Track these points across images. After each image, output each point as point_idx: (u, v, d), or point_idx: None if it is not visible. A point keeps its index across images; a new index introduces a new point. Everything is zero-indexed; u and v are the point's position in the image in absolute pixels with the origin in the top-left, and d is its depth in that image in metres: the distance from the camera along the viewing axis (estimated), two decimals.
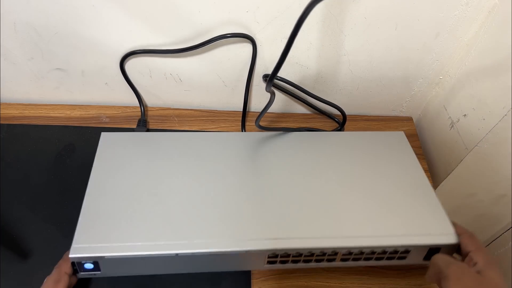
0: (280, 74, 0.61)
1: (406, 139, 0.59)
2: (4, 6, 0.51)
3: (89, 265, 0.42)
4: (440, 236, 0.45)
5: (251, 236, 0.44)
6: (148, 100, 0.67)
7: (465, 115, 0.60)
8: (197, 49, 0.56)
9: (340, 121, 0.67)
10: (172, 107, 0.68)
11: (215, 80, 0.63)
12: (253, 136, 0.58)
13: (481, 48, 0.55)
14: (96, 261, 0.42)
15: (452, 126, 0.63)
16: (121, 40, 0.56)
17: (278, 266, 0.45)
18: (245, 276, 0.50)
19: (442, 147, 0.66)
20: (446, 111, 0.64)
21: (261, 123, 0.59)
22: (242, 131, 0.65)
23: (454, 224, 0.46)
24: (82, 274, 0.44)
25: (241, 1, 0.51)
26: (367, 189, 0.51)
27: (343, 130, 0.67)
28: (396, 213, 0.48)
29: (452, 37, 0.57)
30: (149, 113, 0.66)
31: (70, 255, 0.41)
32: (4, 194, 0.55)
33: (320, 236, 0.45)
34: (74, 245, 0.42)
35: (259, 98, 0.67)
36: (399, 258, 0.46)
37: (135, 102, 0.66)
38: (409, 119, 0.72)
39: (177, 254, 0.42)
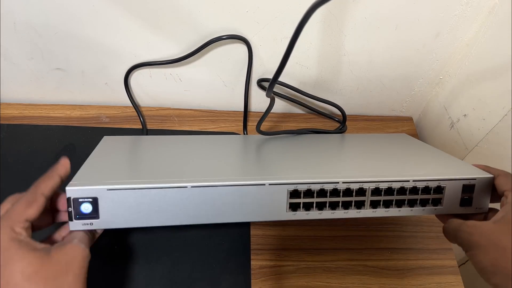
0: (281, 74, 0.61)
1: (412, 137, 0.59)
2: (4, 6, 0.51)
3: (87, 207, 0.37)
4: (474, 171, 0.42)
5: (271, 173, 0.41)
6: (148, 100, 0.67)
7: (465, 115, 0.60)
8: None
9: (341, 120, 0.67)
10: (172, 107, 0.68)
11: (215, 80, 0.63)
12: (255, 138, 0.58)
13: (481, 48, 0.55)
14: (95, 199, 0.37)
15: (452, 126, 0.63)
16: (121, 39, 0.56)
17: (301, 214, 0.41)
18: (245, 276, 0.50)
19: (442, 147, 0.66)
20: (446, 111, 0.64)
21: (262, 127, 0.59)
22: (244, 132, 0.65)
23: (489, 167, 0.43)
24: (75, 223, 0.37)
25: (241, 1, 0.51)
26: (392, 156, 0.51)
27: (345, 128, 0.67)
28: (425, 162, 0.47)
29: (452, 37, 0.57)
30: (149, 113, 0.66)
31: (68, 188, 0.36)
32: (4, 194, 0.54)
33: (346, 174, 0.42)
34: (73, 181, 0.38)
35: (259, 98, 0.67)
36: (434, 202, 0.42)
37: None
38: (409, 119, 0.72)
39: (190, 187, 0.38)
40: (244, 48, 0.57)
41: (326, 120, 0.69)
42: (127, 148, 0.52)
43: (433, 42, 0.58)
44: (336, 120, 0.68)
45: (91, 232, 0.39)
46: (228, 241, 0.53)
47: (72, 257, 0.34)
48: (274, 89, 0.65)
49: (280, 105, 0.69)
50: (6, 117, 0.63)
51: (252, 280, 0.50)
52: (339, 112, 0.66)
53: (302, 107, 0.68)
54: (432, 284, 0.52)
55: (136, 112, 0.64)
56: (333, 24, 0.54)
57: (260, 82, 0.62)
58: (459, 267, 0.55)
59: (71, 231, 0.38)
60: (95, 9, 0.52)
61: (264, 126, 0.67)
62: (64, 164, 0.39)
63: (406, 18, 0.54)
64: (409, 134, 0.69)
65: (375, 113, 0.72)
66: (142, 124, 0.63)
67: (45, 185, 0.37)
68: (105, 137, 0.55)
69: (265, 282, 0.51)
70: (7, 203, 0.37)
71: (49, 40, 0.56)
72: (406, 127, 0.70)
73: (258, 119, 0.58)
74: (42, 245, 0.34)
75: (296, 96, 0.65)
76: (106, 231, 0.41)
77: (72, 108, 0.65)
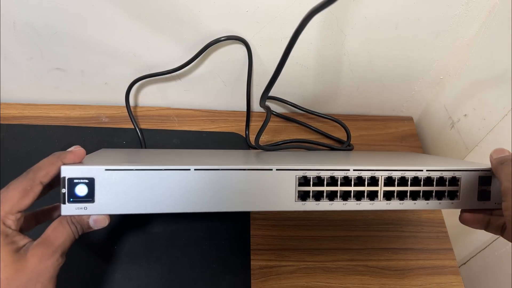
0: (281, 74, 0.61)
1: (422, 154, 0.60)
2: (4, 6, 0.51)
3: (82, 189, 0.34)
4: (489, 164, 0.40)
5: (279, 162, 0.40)
6: (148, 100, 0.67)
7: (465, 115, 0.60)
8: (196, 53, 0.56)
9: (344, 140, 0.67)
10: (172, 107, 0.68)
11: (215, 80, 0.63)
12: (258, 151, 0.57)
13: (481, 48, 0.55)
14: (92, 180, 0.34)
15: (453, 126, 0.63)
16: (120, 39, 0.56)
17: (311, 205, 0.39)
18: (245, 276, 0.50)
19: (443, 147, 0.66)
20: (446, 111, 0.64)
21: (263, 136, 0.58)
22: (246, 132, 0.65)
23: None
24: (68, 207, 0.34)
25: (241, 1, 0.51)
26: (404, 156, 0.51)
27: (351, 146, 0.66)
28: (438, 158, 0.47)
29: (453, 37, 0.57)
30: (149, 113, 0.66)
31: (63, 166, 0.34)
32: None
33: (357, 163, 0.41)
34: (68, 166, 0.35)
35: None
36: (450, 195, 0.40)
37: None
38: (410, 119, 0.72)
39: (193, 169, 0.36)
40: (244, 47, 0.57)
41: (329, 123, 0.69)
42: (126, 152, 0.52)
43: (433, 42, 0.58)
44: (336, 140, 0.67)
45: (79, 225, 0.36)
46: (228, 241, 0.53)
47: (45, 268, 0.33)
48: (276, 104, 0.66)
49: (284, 108, 0.69)
50: (6, 117, 0.63)
51: (252, 280, 0.50)
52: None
53: (304, 117, 0.69)
54: (433, 284, 0.52)
55: (134, 127, 0.63)
56: (333, 24, 0.54)
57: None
58: (459, 267, 0.55)
59: (57, 226, 0.35)
60: (94, 9, 0.52)
61: (269, 127, 0.67)
62: (77, 154, 0.36)
63: (406, 18, 0.54)
64: (409, 134, 0.69)
65: (375, 113, 0.71)
66: (141, 141, 0.62)
67: (46, 172, 0.34)
68: (102, 150, 0.54)
69: (265, 282, 0.50)
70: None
71: (49, 40, 0.56)
72: (406, 127, 0.70)
73: (261, 119, 0.58)
74: (24, 241, 0.33)
75: (295, 115, 0.66)
76: (107, 230, 0.41)
77: (71, 108, 0.65)
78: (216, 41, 0.55)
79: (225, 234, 0.53)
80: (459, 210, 0.42)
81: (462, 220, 0.41)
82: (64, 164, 0.35)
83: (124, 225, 0.52)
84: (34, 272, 0.32)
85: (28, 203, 0.33)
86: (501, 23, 0.51)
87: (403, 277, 0.52)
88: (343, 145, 0.65)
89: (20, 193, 0.32)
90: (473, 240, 0.63)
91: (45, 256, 0.33)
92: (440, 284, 0.52)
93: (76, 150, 0.37)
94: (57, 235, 0.34)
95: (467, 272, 0.66)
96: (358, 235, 0.56)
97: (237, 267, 0.51)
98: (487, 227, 0.40)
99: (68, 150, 0.37)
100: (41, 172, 0.34)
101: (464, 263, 0.67)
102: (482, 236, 0.58)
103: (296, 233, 0.55)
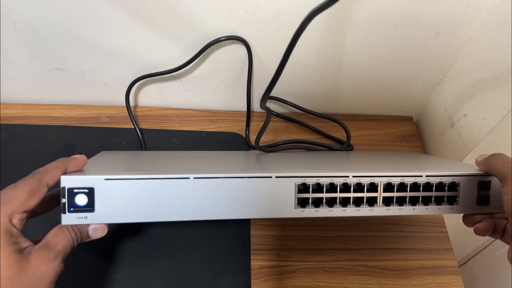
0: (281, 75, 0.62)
1: (422, 154, 0.60)
2: (4, 5, 0.51)
3: (82, 198, 0.34)
4: None
5: (278, 167, 0.40)
6: (148, 100, 0.67)
7: (465, 115, 0.60)
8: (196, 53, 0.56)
9: (343, 140, 0.67)
10: (172, 107, 0.68)
11: (215, 80, 0.63)
12: (257, 153, 0.57)
13: (481, 48, 0.55)
14: (91, 190, 0.35)
15: (453, 126, 0.63)
16: (120, 39, 0.56)
17: (311, 211, 0.39)
18: (245, 276, 0.50)
19: (443, 147, 0.66)
20: (446, 111, 0.64)
21: (264, 135, 0.58)
22: (246, 132, 0.65)
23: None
24: (69, 216, 0.34)
25: (241, 1, 0.51)
26: (403, 159, 0.51)
27: (351, 146, 0.66)
28: (438, 162, 0.47)
29: (453, 37, 0.57)
30: (149, 113, 0.66)
31: (63, 176, 0.34)
32: None
33: (356, 169, 0.40)
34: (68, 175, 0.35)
35: (260, 98, 0.67)
36: (449, 200, 0.40)
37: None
38: (409, 119, 0.72)
39: (192, 178, 0.36)
40: (244, 47, 0.57)
41: (329, 123, 0.69)
42: (125, 156, 0.52)
43: (433, 42, 0.58)
44: (336, 140, 0.67)
45: (79, 233, 0.36)
46: (228, 241, 0.53)
47: (46, 271, 0.33)
48: (276, 105, 0.66)
49: (284, 109, 0.69)
50: (6, 117, 0.63)
51: (252, 280, 0.50)
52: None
53: (304, 117, 0.69)
54: (433, 284, 0.52)
55: (134, 127, 0.63)
56: (333, 24, 0.54)
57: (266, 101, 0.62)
58: (459, 267, 0.55)
59: (57, 233, 0.35)
60: (95, 9, 0.52)
61: (269, 127, 0.67)
62: (80, 160, 0.37)
63: (406, 18, 0.54)
64: (409, 134, 0.69)
65: (375, 113, 0.71)
66: (141, 141, 0.62)
67: (52, 175, 0.34)
68: (102, 152, 0.54)
69: (265, 282, 0.51)
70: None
71: (49, 40, 0.56)
72: (406, 127, 0.70)
73: (261, 119, 0.58)
74: (26, 243, 0.33)
75: (296, 112, 0.67)
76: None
77: (71, 108, 0.65)
78: (216, 41, 0.55)
79: (225, 234, 0.53)
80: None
81: (475, 231, 0.40)
82: (67, 170, 0.35)
83: (125, 225, 0.52)
84: (36, 275, 0.32)
85: (34, 204, 0.33)
86: (501, 23, 0.51)
87: (403, 277, 0.53)
88: (343, 145, 0.65)
89: (28, 193, 0.33)
90: (473, 240, 0.63)
91: (47, 260, 0.33)
92: (440, 284, 0.52)
93: (79, 157, 0.37)
94: (58, 241, 0.34)
95: (467, 272, 0.66)
96: (358, 235, 0.56)
97: (237, 267, 0.51)
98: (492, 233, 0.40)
99: (72, 156, 0.37)
100: (48, 175, 0.34)
101: (464, 263, 0.67)
102: (482, 237, 0.58)
103: (296, 233, 0.55)
